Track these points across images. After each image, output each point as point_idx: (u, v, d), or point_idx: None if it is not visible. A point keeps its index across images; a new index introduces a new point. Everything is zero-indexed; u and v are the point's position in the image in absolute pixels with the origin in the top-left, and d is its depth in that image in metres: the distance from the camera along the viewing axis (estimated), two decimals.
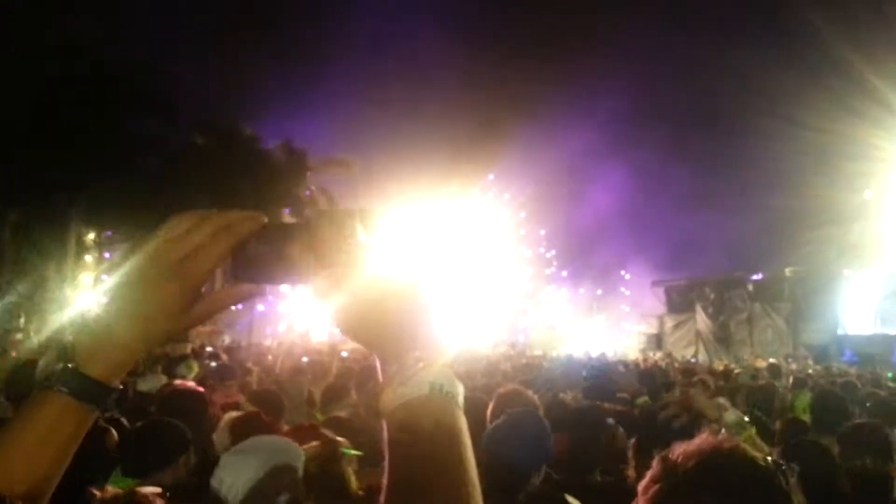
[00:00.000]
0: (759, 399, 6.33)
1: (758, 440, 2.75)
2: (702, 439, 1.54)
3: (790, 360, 21.73)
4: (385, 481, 0.86)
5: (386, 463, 0.87)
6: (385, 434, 0.89)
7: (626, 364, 15.38)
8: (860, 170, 28.62)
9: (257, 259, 0.94)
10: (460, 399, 0.91)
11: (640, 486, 1.55)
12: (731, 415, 2.82)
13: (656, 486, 1.50)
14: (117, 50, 22.61)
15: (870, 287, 27.75)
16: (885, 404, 6.40)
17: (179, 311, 0.94)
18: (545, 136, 44.75)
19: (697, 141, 47.24)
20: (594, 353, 22.56)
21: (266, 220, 0.94)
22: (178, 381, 4.48)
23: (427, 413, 0.87)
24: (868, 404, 6.61)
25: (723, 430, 3.13)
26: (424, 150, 33.95)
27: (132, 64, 22.53)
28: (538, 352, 26.22)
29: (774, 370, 11.46)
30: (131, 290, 0.93)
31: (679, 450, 1.53)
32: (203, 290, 0.96)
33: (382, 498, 0.85)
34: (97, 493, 2.16)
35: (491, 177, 43.45)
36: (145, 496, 2.13)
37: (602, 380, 7.68)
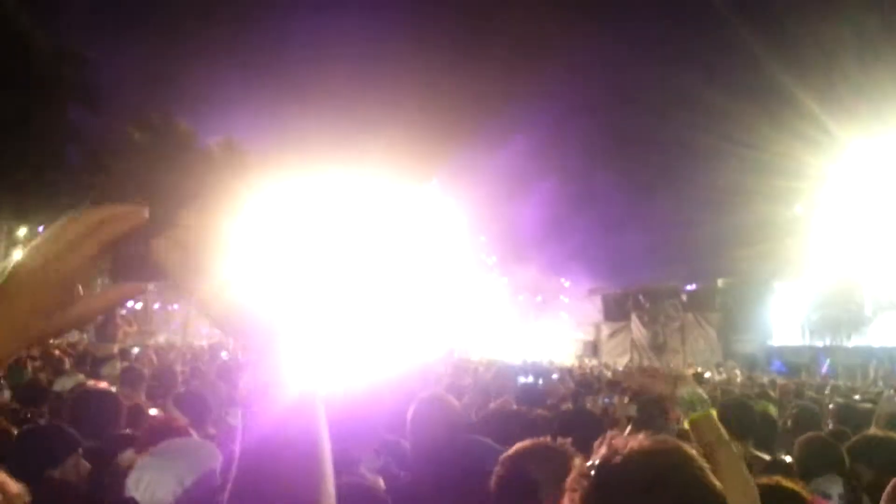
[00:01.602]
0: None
1: (714, 420, 2.61)
2: (639, 438, 1.50)
3: (720, 369, 22.27)
4: (233, 480, 0.87)
5: (238, 453, 0.88)
6: (241, 422, 0.90)
7: (559, 370, 15.54)
8: (793, 187, 29.57)
9: (134, 257, 0.92)
10: (319, 386, 0.93)
11: (568, 482, 1.53)
12: (686, 391, 2.63)
13: (585, 483, 1.47)
14: (46, 38, 21.90)
15: (798, 299, 28.65)
16: (809, 413, 6.61)
17: (48, 312, 0.91)
18: (489, 143, 45.08)
19: (638, 158, 48.26)
20: (530, 360, 22.76)
21: (147, 215, 0.92)
22: (90, 382, 4.35)
23: (279, 401, 0.89)
24: (794, 411, 6.84)
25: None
26: (366, 152, 33.79)
27: (62, 53, 21.87)
28: (476, 357, 26.32)
29: (698, 378, 11.73)
30: (7, 289, 0.91)
31: (614, 446, 1.50)
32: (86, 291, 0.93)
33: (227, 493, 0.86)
34: None
35: (434, 181, 43.54)
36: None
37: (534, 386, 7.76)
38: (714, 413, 2.59)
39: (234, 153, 29.18)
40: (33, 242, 0.92)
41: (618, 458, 1.46)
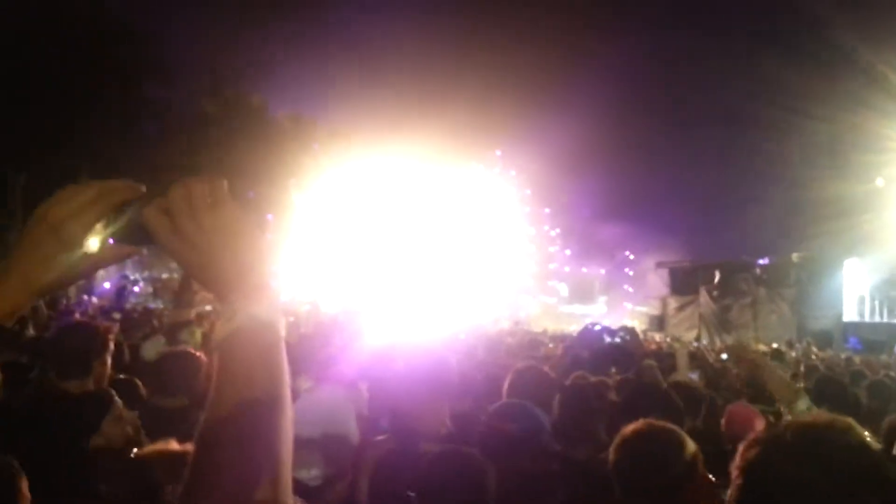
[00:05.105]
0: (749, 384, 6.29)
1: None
2: (816, 413, 1.65)
3: (796, 345, 21.64)
4: (205, 410, 0.96)
5: (210, 394, 0.97)
6: (215, 366, 0.99)
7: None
8: (871, 161, 28.50)
9: (130, 223, 1.08)
10: (281, 329, 1.02)
11: (741, 446, 1.59)
12: (803, 403, 2.74)
13: (756, 449, 1.53)
14: (122, 13, 22.45)
15: (875, 275, 27.67)
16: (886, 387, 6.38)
17: (58, 265, 1.08)
18: (554, 114, 44.57)
19: (708, 131, 47.22)
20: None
21: (144, 189, 1.09)
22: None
23: (245, 341, 0.98)
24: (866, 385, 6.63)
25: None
26: (430, 123, 33.71)
27: (137, 27, 22.39)
28: (539, 329, 26.23)
29: (778, 355, 11.37)
30: (23, 243, 1.09)
31: (789, 420, 1.63)
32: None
33: (202, 422, 0.95)
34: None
35: (498, 153, 43.35)
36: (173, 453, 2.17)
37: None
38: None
39: (302, 126, 29.53)
40: (46, 203, 1.08)
41: (789, 428, 1.55)
